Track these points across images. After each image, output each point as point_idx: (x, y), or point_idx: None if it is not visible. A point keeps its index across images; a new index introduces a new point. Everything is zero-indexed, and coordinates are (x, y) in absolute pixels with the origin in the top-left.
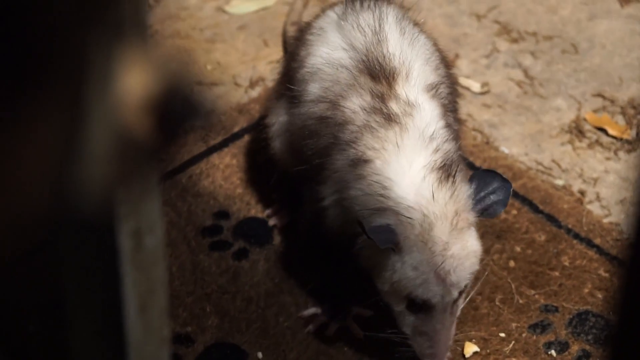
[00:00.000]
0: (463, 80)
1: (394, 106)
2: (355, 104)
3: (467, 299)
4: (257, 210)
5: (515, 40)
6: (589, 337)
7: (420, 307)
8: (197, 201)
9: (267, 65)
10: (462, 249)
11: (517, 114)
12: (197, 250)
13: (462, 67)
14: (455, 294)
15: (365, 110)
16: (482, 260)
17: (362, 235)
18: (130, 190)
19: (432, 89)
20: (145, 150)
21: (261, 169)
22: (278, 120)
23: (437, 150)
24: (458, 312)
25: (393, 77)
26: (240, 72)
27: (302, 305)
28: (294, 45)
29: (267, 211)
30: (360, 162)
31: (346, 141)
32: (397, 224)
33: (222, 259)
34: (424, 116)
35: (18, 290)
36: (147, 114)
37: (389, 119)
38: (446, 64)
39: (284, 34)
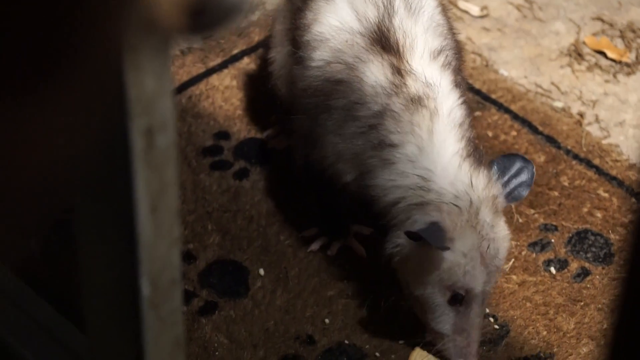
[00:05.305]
0: (462, 4)
1: (413, 85)
2: (375, 76)
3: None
4: (257, 131)
5: None
6: (588, 255)
7: (462, 299)
8: (197, 122)
9: None
10: (500, 232)
11: (516, 38)
12: (198, 170)
13: None
14: (494, 281)
15: (385, 90)
16: None
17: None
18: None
19: (439, 54)
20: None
21: (261, 91)
22: (279, 59)
23: (462, 138)
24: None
25: (402, 48)
26: None
27: (303, 225)
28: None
29: (266, 133)
30: (385, 145)
31: (365, 122)
32: (443, 217)
33: (223, 179)
34: (446, 98)
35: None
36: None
37: (413, 101)
38: (453, 32)
39: None
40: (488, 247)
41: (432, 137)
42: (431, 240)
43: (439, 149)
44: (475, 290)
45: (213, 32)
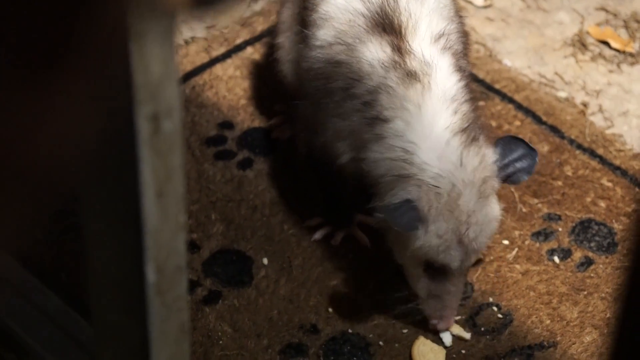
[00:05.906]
0: None
1: (411, 62)
2: (373, 54)
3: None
4: (261, 121)
5: None
6: (592, 245)
7: (438, 271)
8: (201, 112)
9: None
10: (485, 216)
11: (520, 28)
12: (202, 160)
13: None
14: (473, 259)
15: (383, 65)
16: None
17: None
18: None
19: (441, 37)
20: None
21: (265, 81)
22: (287, 44)
23: (456, 112)
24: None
25: (404, 30)
26: None
27: (307, 214)
28: None
29: (270, 122)
30: (378, 121)
31: (361, 99)
32: (420, 195)
33: (227, 168)
34: (444, 74)
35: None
36: None
37: (409, 75)
38: (460, 16)
39: None
40: (467, 230)
41: (421, 112)
42: (393, 221)
43: (427, 124)
44: (451, 266)
45: (219, 9)
